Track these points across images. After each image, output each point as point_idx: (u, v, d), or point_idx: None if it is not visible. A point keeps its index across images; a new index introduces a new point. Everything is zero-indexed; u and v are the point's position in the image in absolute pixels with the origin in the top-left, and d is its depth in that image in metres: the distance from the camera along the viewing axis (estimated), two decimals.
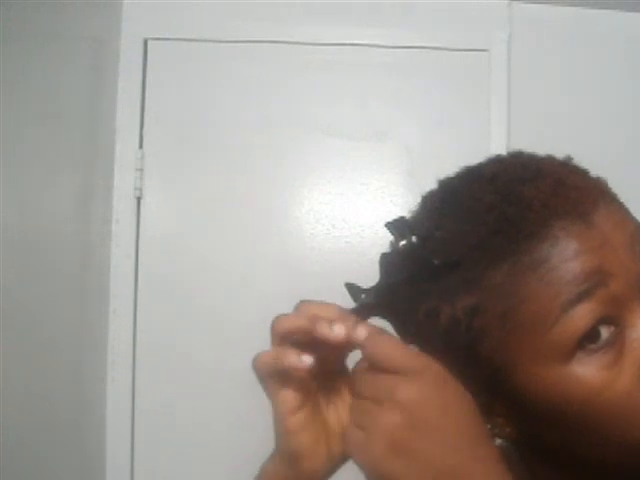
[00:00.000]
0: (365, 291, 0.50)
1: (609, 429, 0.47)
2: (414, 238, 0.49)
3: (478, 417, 0.45)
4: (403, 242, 0.49)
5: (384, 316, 0.51)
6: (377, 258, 0.51)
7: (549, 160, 0.53)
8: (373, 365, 0.45)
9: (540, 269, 0.46)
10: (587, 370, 0.46)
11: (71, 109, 1.51)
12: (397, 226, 0.50)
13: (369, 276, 0.51)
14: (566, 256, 0.46)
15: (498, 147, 1.66)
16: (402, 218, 0.51)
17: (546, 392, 0.47)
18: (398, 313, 0.51)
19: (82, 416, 1.57)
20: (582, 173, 0.52)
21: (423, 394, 0.43)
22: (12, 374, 1.21)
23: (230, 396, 1.65)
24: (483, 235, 0.48)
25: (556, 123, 1.71)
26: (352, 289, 0.51)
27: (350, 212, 1.72)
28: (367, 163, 1.74)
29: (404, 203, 1.69)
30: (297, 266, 1.69)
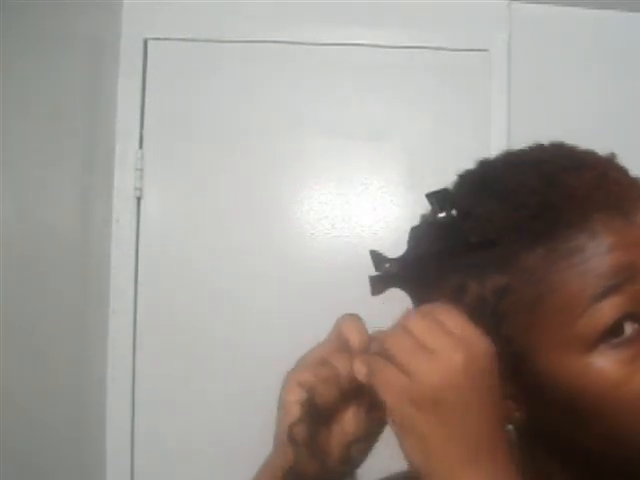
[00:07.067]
0: (390, 260, 0.50)
1: (620, 424, 0.47)
2: (454, 212, 0.49)
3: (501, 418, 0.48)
4: (442, 215, 0.49)
5: (405, 288, 0.51)
6: None
7: (593, 153, 0.53)
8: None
9: (574, 259, 0.47)
10: (606, 363, 0.47)
11: (71, 109, 1.51)
12: (439, 198, 0.50)
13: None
14: (601, 249, 0.47)
15: (498, 147, 1.64)
16: (445, 190, 0.51)
17: (563, 380, 0.48)
18: (421, 286, 0.50)
19: (82, 416, 1.57)
20: (624, 171, 0.53)
21: (471, 364, 0.46)
22: (12, 374, 1.21)
23: (230, 396, 1.65)
24: (523, 218, 0.48)
25: (556, 123, 1.71)
26: (376, 257, 0.50)
27: (350, 212, 1.72)
28: (367, 163, 1.74)
29: (404, 203, 1.69)
30: (297, 266, 1.69)
